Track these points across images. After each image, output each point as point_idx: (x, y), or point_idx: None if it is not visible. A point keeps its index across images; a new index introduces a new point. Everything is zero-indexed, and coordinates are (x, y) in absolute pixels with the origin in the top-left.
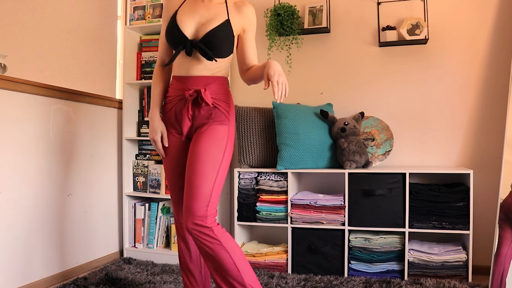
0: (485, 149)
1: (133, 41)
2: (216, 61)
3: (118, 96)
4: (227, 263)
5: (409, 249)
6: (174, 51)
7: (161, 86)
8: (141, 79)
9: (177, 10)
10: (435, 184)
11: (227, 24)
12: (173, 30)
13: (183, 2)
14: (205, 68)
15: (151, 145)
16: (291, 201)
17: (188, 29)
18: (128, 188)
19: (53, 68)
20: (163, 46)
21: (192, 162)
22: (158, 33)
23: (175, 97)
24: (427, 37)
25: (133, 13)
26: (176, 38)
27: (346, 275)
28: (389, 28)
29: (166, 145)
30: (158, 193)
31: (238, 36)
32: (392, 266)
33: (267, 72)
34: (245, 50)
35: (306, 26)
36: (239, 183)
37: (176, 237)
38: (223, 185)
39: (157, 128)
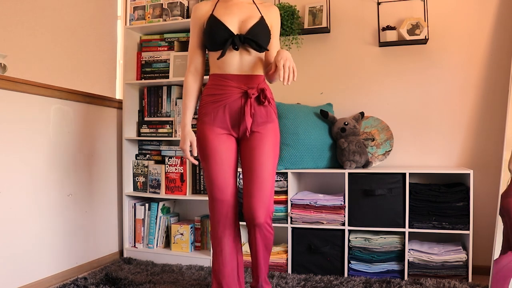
0: (485, 149)
1: (133, 41)
2: (268, 50)
3: (118, 96)
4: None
5: (409, 249)
6: (209, 50)
7: (195, 96)
8: (141, 79)
9: (212, 14)
10: (435, 184)
11: (263, 20)
12: (219, 28)
13: (214, 7)
14: (256, 66)
15: (151, 145)
16: (291, 201)
17: (232, 26)
18: (128, 188)
19: (53, 68)
20: (196, 52)
21: (263, 160)
22: (158, 33)
23: (229, 95)
24: (427, 37)
25: (133, 13)
26: (223, 34)
27: (346, 275)
28: (389, 28)
29: (195, 154)
30: (158, 193)
31: None
32: (392, 266)
33: (276, 58)
34: (270, 47)
35: (306, 26)
36: (238, 183)
37: (176, 237)
38: None
39: (186, 138)
